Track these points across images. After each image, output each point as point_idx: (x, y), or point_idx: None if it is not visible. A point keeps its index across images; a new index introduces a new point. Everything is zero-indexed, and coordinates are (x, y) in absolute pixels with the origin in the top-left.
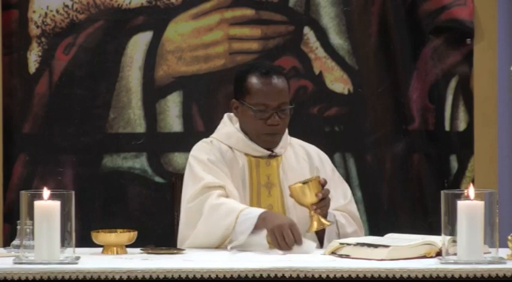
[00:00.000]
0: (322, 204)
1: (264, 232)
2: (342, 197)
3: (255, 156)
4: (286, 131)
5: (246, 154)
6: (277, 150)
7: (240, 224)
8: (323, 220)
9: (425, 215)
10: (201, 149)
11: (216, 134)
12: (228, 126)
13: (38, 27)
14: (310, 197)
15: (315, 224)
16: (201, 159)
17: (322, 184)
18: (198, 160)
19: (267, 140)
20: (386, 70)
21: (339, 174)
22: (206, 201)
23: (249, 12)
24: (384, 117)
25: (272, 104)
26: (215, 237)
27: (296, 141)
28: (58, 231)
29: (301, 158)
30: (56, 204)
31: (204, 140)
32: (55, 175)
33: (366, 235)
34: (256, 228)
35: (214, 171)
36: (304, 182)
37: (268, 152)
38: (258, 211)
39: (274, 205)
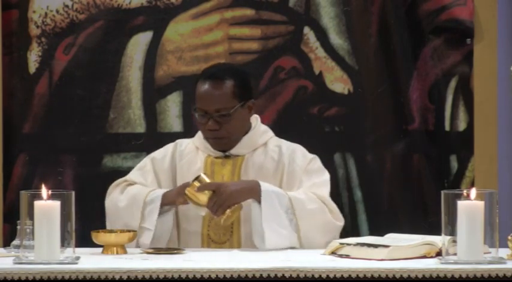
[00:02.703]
0: (214, 198)
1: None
2: (314, 184)
3: (215, 157)
4: (256, 131)
5: (209, 155)
6: (235, 151)
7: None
8: (227, 211)
9: (425, 215)
10: (162, 147)
11: (196, 135)
12: None
13: (38, 27)
14: (201, 197)
15: (222, 218)
16: (150, 156)
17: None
18: (148, 156)
19: (212, 143)
20: (386, 70)
21: (318, 167)
22: (112, 194)
23: (249, 12)
24: (384, 117)
25: (208, 109)
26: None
27: (274, 142)
28: (58, 231)
29: (269, 158)
30: (56, 204)
31: (178, 140)
32: (55, 175)
33: (365, 235)
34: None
35: (145, 170)
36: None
37: (223, 153)
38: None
39: None
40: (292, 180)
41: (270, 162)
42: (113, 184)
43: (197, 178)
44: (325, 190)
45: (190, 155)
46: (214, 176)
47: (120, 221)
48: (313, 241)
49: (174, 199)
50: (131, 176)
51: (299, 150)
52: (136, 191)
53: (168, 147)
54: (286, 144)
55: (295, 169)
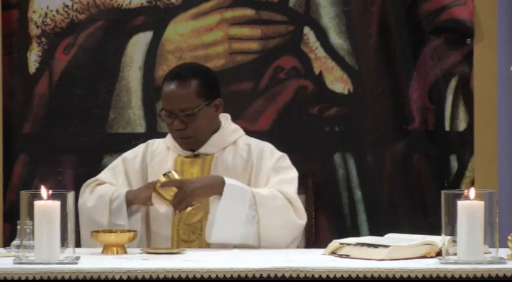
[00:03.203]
0: (179, 194)
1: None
2: (281, 181)
3: (185, 157)
4: (225, 130)
5: (179, 154)
6: (204, 150)
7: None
8: (188, 208)
9: (425, 215)
10: (134, 147)
11: (168, 135)
12: None
13: (38, 27)
14: (168, 193)
15: (183, 214)
16: (122, 156)
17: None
18: (120, 156)
19: (180, 143)
20: (386, 70)
21: (287, 165)
22: (83, 194)
23: (249, 12)
24: (384, 117)
25: (173, 109)
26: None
27: (244, 141)
28: (58, 231)
29: (238, 157)
30: (56, 204)
31: (150, 140)
32: (55, 175)
33: (365, 235)
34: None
35: (117, 171)
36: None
37: (191, 152)
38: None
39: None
40: (260, 178)
41: (239, 160)
42: (84, 184)
43: (166, 174)
44: (292, 188)
45: (162, 155)
46: (184, 176)
47: (90, 221)
48: (273, 238)
49: (139, 194)
50: (102, 175)
51: (268, 148)
52: (103, 190)
53: (140, 148)
54: (255, 143)
55: (263, 167)
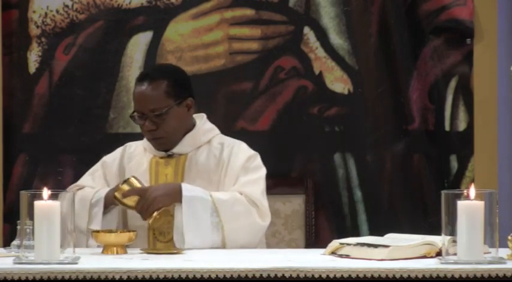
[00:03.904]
0: (141, 203)
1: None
2: (247, 182)
3: (160, 157)
4: (199, 129)
5: (154, 155)
6: (177, 150)
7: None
8: (154, 214)
9: (425, 215)
10: (113, 151)
11: None
12: None
13: (38, 27)
14: (129, 200)
15: (150, 220)
16: (101, 160)
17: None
18: (100, 160)
19: (152, 143)
20: (386, 70)
21: (255, 165)
22: None
23: (249, 12)
24: (384, 117)
25: (143, 110)
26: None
27: (218, 140)
28: (58, 231)
29: (212, 156)
30: (56, 204)
31: (128, 143)
32: (55, 175)
33: (365, 235)
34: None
35: (96, 175)
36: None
37: (165, 153)
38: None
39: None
40: (230, 177)
41: (212, 159)
42: (65, 190)
43: (126, 181)
44: (257, 188)
45: (138, 157)
46: (159, 176)
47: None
48: (237, 241)
49: (109, 194)
50: (82, 180)
51: (240, 147)
52: (83, 194)
53: (118, 151)
54: (228, 141)
55: (233, 167)
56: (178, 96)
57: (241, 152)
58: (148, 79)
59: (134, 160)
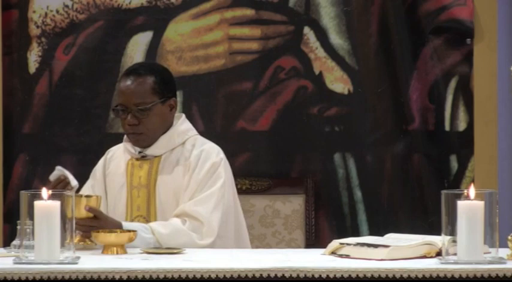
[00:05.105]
0: (93, 223)
1: None
2: (198, 200)
3: (136, 159)
4: (174, 131)
5: (131, 157)
6: (151, 151)
7: None
8: (87, 240)
9: (425, 215)
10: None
11: (125, 136)
12: None
13: (38, 27)
14: (81, 211)
15: (78, 237)
16: (94, 169)
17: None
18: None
19: (132, 139)
20: (387, 70)
21: (215, 176)
22: None
23: (249, 12)
24: (384, 117)
25: (128, 104)
26: None
27: (191, 142)
28: (58, 231)
29: (182, 159)
30: (56, 204)
31: (109, 148)
32: None
33: (365, 235)
34: None
35: (89, 185)
36: (85, 196)
37: (139, 153)
38: None
39: (141, 206)
40: (192, 185)
41: (182, 162)
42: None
43: (91, 196)
44: (207, 206)
45: (118, 160)
46: (133, 178)
47: None
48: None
49: None
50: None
51: (208, 152)
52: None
53: (102, 158)
54: (199, 144)
55: (198, 174)
56: (163, 95)
57: (208, 159)
58: (136, 74)
59: (113, 163)
